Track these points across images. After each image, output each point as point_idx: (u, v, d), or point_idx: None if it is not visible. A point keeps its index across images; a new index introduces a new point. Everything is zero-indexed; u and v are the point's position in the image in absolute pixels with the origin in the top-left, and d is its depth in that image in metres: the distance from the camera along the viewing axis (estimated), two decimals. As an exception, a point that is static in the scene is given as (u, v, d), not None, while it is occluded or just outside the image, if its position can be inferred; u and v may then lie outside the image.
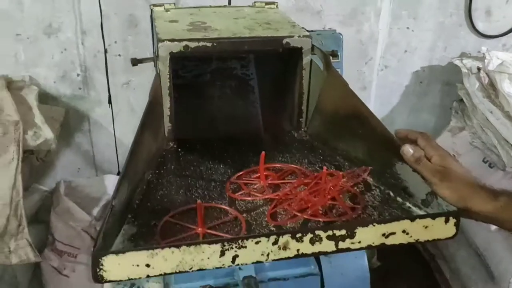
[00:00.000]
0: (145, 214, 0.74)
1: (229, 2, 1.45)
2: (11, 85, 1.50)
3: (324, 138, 0.96)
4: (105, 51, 1.62)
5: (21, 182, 1.24)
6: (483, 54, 1.73)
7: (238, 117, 1.17)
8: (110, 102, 1.69)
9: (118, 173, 1.79)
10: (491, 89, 1.66)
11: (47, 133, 1.38)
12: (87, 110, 1.72)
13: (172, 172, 0.86)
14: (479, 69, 1.73)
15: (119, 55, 1.65)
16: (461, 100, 1.81)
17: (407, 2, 1.77)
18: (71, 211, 1.49)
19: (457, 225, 0.67)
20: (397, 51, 1.85)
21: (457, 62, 1.78)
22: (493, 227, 1.38)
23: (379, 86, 1.89)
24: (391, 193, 0.79)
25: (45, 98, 1.62)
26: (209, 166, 0.89)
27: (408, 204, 0.76)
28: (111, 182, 1.68)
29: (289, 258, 0.64)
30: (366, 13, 1.76)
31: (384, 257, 1.79)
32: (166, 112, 0.93)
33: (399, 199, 0.78)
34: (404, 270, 1.93)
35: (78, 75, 1.65)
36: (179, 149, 0.95)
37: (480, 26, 1.83)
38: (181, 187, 0.82)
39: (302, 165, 0.89)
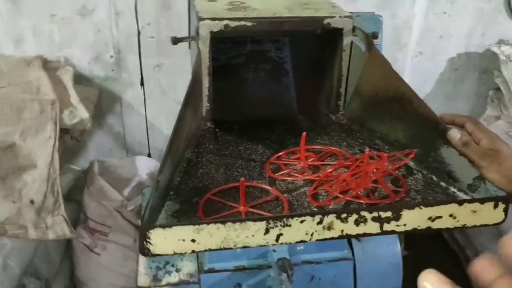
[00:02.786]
0: (187, 191, 0.74)
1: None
2: (47, 65, 1.52)
3: (363, 121, 0.94)
4: (138, 33, 1.62)
5: (58, 160, 1.26)
6: (523, 41, 1.68)
7: (272, 100, 1.16)
8: (142, 84, 1.70)
9: (149, 155, 1.80)
10: (531, 77, 1.62)
11: (82, 113, 1.39)
12: (119, 92, 1.73)
13: (211, 151, 0.86)
14: (518, 56, 1.68)
15: (152, 37, 1.65)
16: (498, 88, 1.76)
17: (444, -14, 1.73)
18: (104, 190, 1.52)
19: (506, 210, 0.65)
20: (432, 37, 1.80)
21: (495, 49, 1.73)
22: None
23: (413, 73, 1.85)
24: (434, 178, 0.77)
25: (78, 79, 1.63)
26: (247, 147, 0.89)
27: (452, 189, 0.74)
28: (142, 163, 1.69)
29: (333, 238, 0.63)
30: (402, -3, 1.72)
31: (411, 247, 1.77)
32: (205, 92, 0.93)
33: (442, 183, 0.76)
34: (432, 260, 1.90)
35: (111, 56, 1.66)
36: (217, 129, 0.95)
37: (520, 12, 1.77)
38: (221, 165, 0.82)
39: (340, 147, 0.88)
